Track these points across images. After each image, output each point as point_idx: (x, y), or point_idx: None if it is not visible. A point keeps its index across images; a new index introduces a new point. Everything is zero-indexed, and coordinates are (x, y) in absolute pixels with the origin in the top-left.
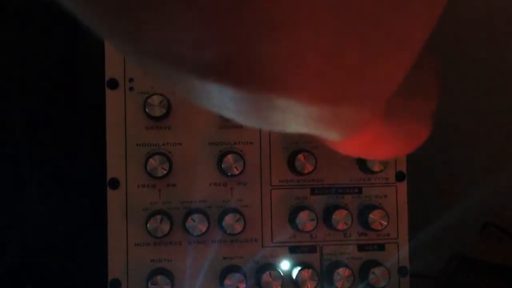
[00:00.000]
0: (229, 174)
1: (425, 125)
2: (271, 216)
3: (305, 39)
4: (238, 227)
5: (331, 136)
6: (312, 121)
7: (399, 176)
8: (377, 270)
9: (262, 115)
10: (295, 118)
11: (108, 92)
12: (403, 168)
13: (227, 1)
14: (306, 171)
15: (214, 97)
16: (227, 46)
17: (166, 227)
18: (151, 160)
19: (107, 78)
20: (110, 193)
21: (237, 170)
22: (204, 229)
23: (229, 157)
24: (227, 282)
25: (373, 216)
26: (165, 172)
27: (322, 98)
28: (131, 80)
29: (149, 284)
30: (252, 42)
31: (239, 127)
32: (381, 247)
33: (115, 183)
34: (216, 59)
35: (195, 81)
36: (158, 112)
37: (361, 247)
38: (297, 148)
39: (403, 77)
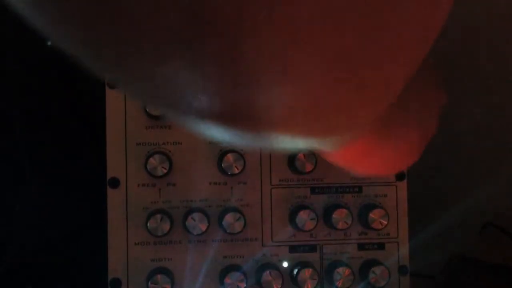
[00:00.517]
0: (229, 173)
1: (412, 152)
2: (271, 215)
3: (293, 90)
4: (238, 226)
5: (323, 148)
6: (304, 145)
7: (399, 176)
8: (377, 269)
9: (258, 143)
10: (289, 144)
11: (108, 92)
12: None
13: (225, 66)
14: (306, 170)
15: (212, 131)
16: (226, 100)
17: (166, 226)
18: (151, 159)
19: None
20: (110, 192)
21: (237, 169)
22: (204, 228)
23: (229, 156)
24: (227, 281)
25: (373, 215)
26: (165, 171)
27: (315, 133)
28: None
29: (149, 283)
30: (248, 94)
31: None
32: (381, 246)
33: (115, 182)
34: (217, 108)
35: (195, 120)
36: (158, 111)
37: (361, 246)
38: None
39: (395, 98)
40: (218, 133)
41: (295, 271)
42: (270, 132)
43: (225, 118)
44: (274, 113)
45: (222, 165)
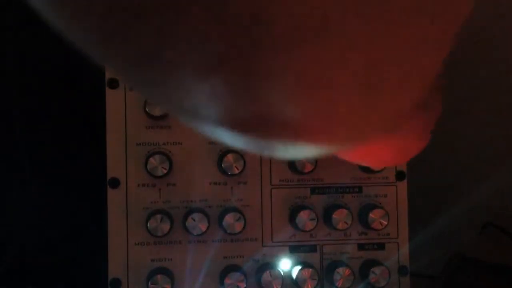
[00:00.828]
0: (229, 173)
1: (421, 138)
2: (271, 216)
3: (326, 102)
4: (238, 227)
5: (340, 151)
6: (319, 153)
7: (399, 176)
8: (377, 270)
9: (273, 151)
10: (303, 154)
11: (108, 92)
12: (403, 167)
13: (254, 73)
14: (306, 171)
15: (230, 139)
16: (249, 107)
17: (166, 226)
18: (151, 159)
19: (107, 78)
20: (110, 192)
21: (237, 169)
22: (204, 229)
23: (229, 157)
24: (227, 281)
25: (373, 215)
26: (165, 171)
27: (331, 142)
28: None
29: (149, 283)
30: (270, 105)
31: None
32: (381, 247)
33: (115, 183)
34: (241, 119)
35: (213, 128)
36: (158, 111)
37: (361, 247)
38: None
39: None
40: (239, 142)
41: (295, 271)
42: (290, 140)
43: (250, 128)
44: (302, 123)
45: (222, 165)
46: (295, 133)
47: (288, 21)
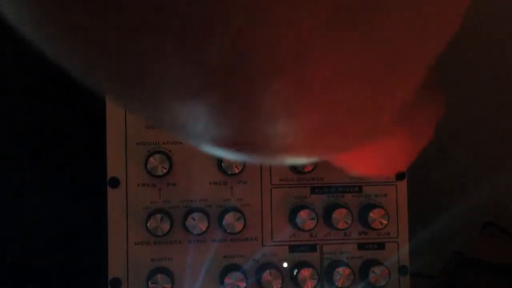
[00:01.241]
0: (229, 173)
1: (420, 141)
2: (271, 215)
3: (311, 124)
4: (238, 226)
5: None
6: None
7: (399, 175)
8: (377, 269)
9: (268, 163)
10: (296, 162)
11: None
12: None
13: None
14: (306, 170)
15: (225, 155)
16: (243, 131)
17: (166, 226)
18: (151, 159)
19: None
20: (110, 192)
21: (237, 169)
22: (204, 228)
23: None
24: (227, 281)
25: (373, 215)
26: (165, 171)
27: (320, 154)
28: None
29: (149, 283)
30: (265, 128)
31: None
32: (381, 246)
33: (115, 182)
34: (227, 137)
35: (209, 147)
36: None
37: (361, 246)
38: None
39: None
40: (230, 156)
41: (295, 271)
42: (283, 156)
43: (237, 146)
44: (289, 141)
45: (222, 164)
46: (281, 151)
47: (267, 48)
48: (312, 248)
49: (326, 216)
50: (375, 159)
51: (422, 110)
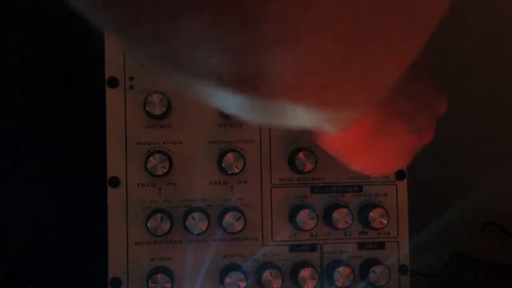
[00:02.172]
0: (229, 172)
1: (420, 138)
2: (271, 215)
3: (307, 57)
4: (238, 226)
5: (326, 129)
6: (311, 120)
7: (400, 175)
8: (377, 269)
9: (266, 115)
10: (295, 117)
11: (108, 91)
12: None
13: (242, 32)
14: (306, 170)
15: (225, 99)
16: (243, 63)
17: (166, 225)
18: (151, 158)
19: (107, 77)
20: (110, 191)
21: (237, 168)
22: (204, 228)
23: (229, 156)
24: (227, 280)
25: (373, 214)
26: (165, 170)
27: (322, 103)
28: (131, 78)
29: (149, 282)
30: (263, 59)
31: (239, 125)
32: (381, 246)
33: (115, 182)
34: (235, 73)
35: (211, 88)
36: (158, 110)
37: (361, 246)
38: (298, 146)
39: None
40: (227, 101)
41: (295, 270)
42: (282, 98)
43: (238, 82)
44: (287, 78)
45: (222, 164)
46: (278, 91)
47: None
48: (312, 248)
49: (326, 216)
50: (376, 157)
51: (423, 109)
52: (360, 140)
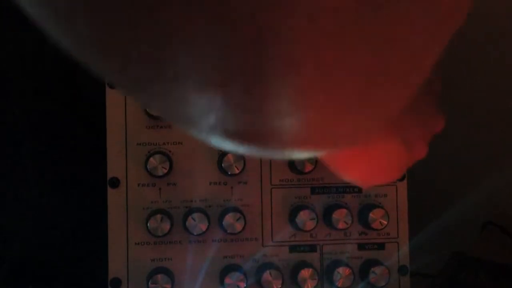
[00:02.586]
0: (229, 173)
1: (413, 154)
2: (271, 215)
3: (311, 115)
4: (239, 226)
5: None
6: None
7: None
8: (377, 269)
9: (269, 156)
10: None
11: (109, 91)
12: None
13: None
14: (306, 170)
15: (224, 144)
16: (249, 121)
17: (166, 226)
18: (151, 159)
19: None
20: (111, 192)
21: (238, 169)
22: (204, 228)
23: (230, 156)
24: (227, 281)
25: (373, 215)
26: (165, 171)
27: (327, 147)
28: None
29: (149, 283)
30: (270, 117)
31: None
32: (381, 246)
33: (115, 182)
34: (240, 130)
35: (211, 135)
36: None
37: (361, 246)
38: None
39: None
40: (231, 147)
41: (295, 271)
42: (286, 149)
43: (251, 139)
44: (292, 135)
45: (222, 165)
46: (287, 143)
47: (288, 40)
48: (312, 248)
49: (326, 216)
50: (368, 169)
51: (419, 125)
52: (353, 152)
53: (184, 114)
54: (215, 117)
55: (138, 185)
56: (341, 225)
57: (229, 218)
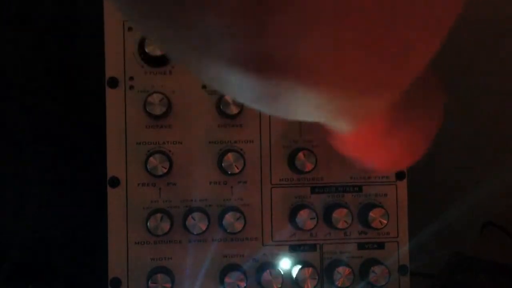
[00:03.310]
0: (229, 172)
1: (426, 139)
2: (271, 215)
3: (327, 37)
4: (238, 226)
5: (338, 125)
6: (324, 110)
7: (400, 175)
8: (377, 269)
9: (278, 102)
10: (308, 106)
11: (108, 91)
12: None
13: (258, 13)
14: (306, 170)
15: (237, 85)
16: (260, 44)
17: (166, 225)
18: (151, 158)
19: (107, 77)
20: (110, 191)
21: (237, 168)
22: (204, 228)
23: (229, 156)
24: (227, 280)
25: (373, 214)
26: (165, 170)
27: (338, 92)
28: (131, 78)
29: (149, 282)
30: (280, 40)
31: (239, 125)
32: (381, 246)
33: (115, 182)
34: (249, 54)
35: (222, 68)
36: (158, 110)
37: (361, 246)
38: (297, 146)
39: (424, 66)
40: (238, 86)
41: (295, 270)
42: (294, 83)
43: (252, 65)
44: (301, 62)
45: (222, 164)
46: (296, 73)
47: None
48: (312, 247)
49: (326, 216)
50: (380, 154)
51: (426, 109)
52: (369, 139)
53: (198, 41)
54: (227, 41)
55: (138, 184)
56: (341, 225)
57: (229, 218)
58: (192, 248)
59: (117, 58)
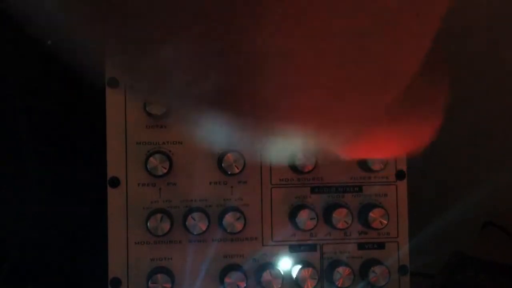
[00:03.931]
0: (229, 172)
1: (429, 128)
2: (271, 215)
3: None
4: (239, 226)
5: (331, 146)
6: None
7: (400, 175)
8: (377, 269)
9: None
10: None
11: (108, 91)
12: (403, 167)
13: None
14: (306, 170)
15: (223, 133)
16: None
17: (166, 225)
18: (151, 158)
19: (107, 77)
20: (110, 191)
21: (237, 168)
22: (204, 228)
23: (229, 156)
24: (227, 280)
25: (373, 214)
26: (165, 170)
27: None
28: None
29: (149, 282)
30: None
31: None
32: (381, 246)
33: (115, 182)
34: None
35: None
36: (158, 110)
37: (361, 246)
38: None
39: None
40: (235, 137)
41: (295, 270)
42: (285, 127)
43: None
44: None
45: (222, 164)
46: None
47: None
48: (312, 248)
49: (326, 216)
50: (382, 141)
51: (430, 98)
52: (378, 129)
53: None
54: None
55: (138, 184)
56: (341, 225)
57: (229, 218)
58: (192, 248)
59: (117, 58)
